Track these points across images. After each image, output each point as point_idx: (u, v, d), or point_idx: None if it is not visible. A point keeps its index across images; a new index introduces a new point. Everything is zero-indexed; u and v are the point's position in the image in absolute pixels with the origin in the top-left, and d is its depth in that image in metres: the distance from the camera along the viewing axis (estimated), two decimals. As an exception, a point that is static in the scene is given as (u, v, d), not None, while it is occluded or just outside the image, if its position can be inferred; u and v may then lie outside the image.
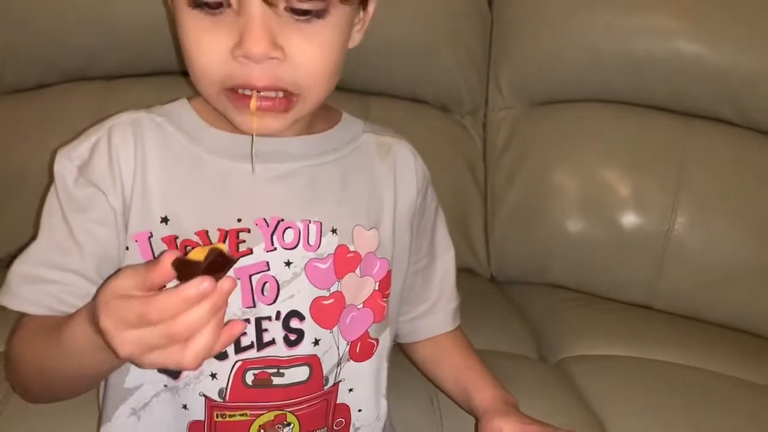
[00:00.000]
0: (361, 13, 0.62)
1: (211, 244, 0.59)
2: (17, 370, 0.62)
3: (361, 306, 0.65)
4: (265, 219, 0.61)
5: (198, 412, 0.61)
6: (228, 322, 0.48)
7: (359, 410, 0.67)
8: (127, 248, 0.60)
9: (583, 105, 1.10)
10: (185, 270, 0.46)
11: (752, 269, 1.03)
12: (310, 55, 0.56)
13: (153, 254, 0.60)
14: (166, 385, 0.61)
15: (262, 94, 0.57)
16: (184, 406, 0.61)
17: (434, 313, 0.75)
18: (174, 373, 0.60)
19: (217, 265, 0.46)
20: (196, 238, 0.60)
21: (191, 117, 0.64)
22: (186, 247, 0.59)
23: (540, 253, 1.10)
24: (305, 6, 0.55)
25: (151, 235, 0.60)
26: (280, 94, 0.57)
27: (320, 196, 0.64)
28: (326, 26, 0.56)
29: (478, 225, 1.13)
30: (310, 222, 0.62)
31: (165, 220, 0.60)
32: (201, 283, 0.44)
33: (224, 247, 0.47)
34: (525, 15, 1.10)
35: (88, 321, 0.52)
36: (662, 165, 1.06)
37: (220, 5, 0.55)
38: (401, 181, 0.69)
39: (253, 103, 0.56)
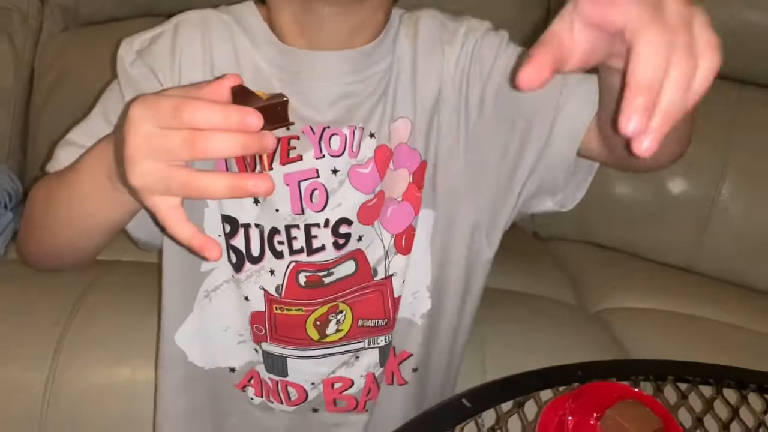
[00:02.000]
0: None
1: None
2: (24, 219, 0.62)
3: (400, 199, 0.64)
4: (311, 127, 0.61)
5: (258, 304, 0.63)
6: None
7: (414, 299, 0.66)
8: None
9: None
10: (241, 100, 0.42)
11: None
12: None
13: (225, 165, 0.60)
14: (233, 276, 0.63)
15: None
16: (246, 298, 0.63)
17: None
18: (237, 266, 0.62)
19: (273, 113, 0.41)
20: None
21: (256, 21, 0.62)
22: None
23: (582, 211, 1.11)
24: None
25: None
26: None
27: (364, 103, 0.62)
28: None
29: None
30: (355, 128, 0.61)
31: None
32: (249, 114, 0.40)
33: (289, 104, 0.42)
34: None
35: (109, 140, 0.50)
36: (712, 131, 1.07)
37: None
38: (430, 61, 0.63)
39: None
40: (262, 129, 0.41)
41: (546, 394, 0.56)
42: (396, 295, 0.65)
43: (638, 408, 0.48)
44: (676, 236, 1.08)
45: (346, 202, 0.62)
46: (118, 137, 0.45)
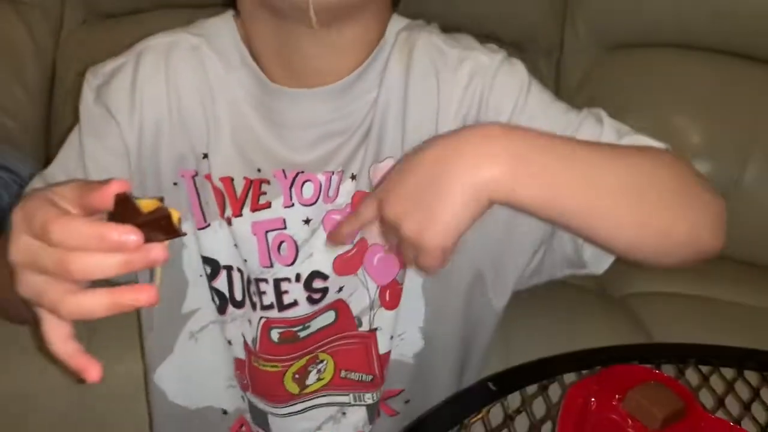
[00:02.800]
0: None
1: (235, 192, 0.55)
2: None
3: (386, 247, 0.57)
4: (284, 170, 0.55)
5: (239, 351, 0.59)
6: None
7: (401, 340, 0.60)
8: (175, 183, 0.56)
9: (658, 50, 1.10)
10: (123, 210, 0.37)
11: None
12: None
13: (197, 193, 0.56)
14: (217, 317, 0.59)
15: None
16: (229, 342, 0.59)
17: None
18: (220, 308, 0.58)
19: (158, 227, 0.37)
20: (219, 185, 0.55)
21: (233, 39, 0.55)
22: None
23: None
24: None
25: (196, 174, 0.56)
26: None
27: (346, 144, 0.56)
28: None
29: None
30: (332, 173, 0.55)
31: (206, 156, 0.55)
32: (127, 233, 0.35)
33: (177, 216, 0.38)
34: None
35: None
36: (737, 114, 1.06)
37: None
38: (418, 92, 0.55)
39: None
40: (149, 240, 0.36)
41: (570, 378, 0.56)
42: (382, 352, 0.60)
43: (660, 389, 0.48)
44: (700, 220, 1.07)
45: (319, 252, 0.56)
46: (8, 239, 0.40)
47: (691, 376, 0.57)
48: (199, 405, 0.62)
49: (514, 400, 0.54)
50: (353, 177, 0.56)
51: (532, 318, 0.85)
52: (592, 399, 0.50)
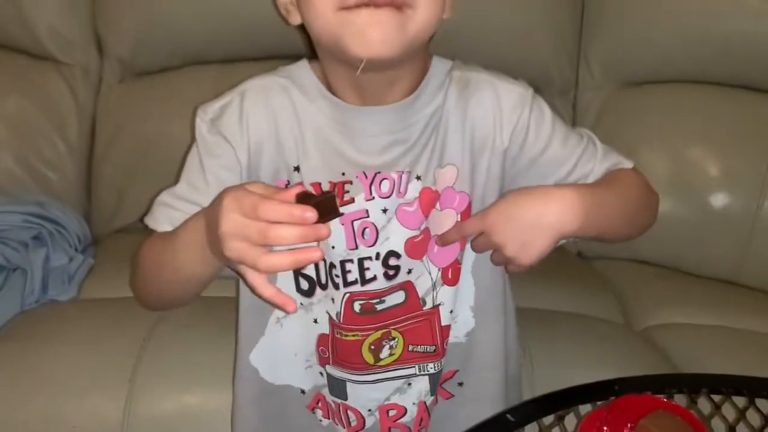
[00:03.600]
0: None
1: (324, 192, 0.69)
2: (136, 272, 0.73)
3: None
4: (364, 172, 0.69)
5: (324, 327, 0.72)
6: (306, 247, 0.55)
7: (455, 322, 0.74)
8: None
9: (672, 85, 1.13)
10: (302, 202, 0.55)
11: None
12: None
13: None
14: (301, 303, 0.71)
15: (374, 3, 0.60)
16: (315, 321, 0.72)
17: None
18: (308, 292, 0.71)
19: (326, 208, 0.54)
20: (310, 188, 0.69)
21: (310, 79, 0.71)
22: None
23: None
24: None
25: (288, 183, 0.70)
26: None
27: (410, 149, 0.70)
28: None
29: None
30: (402, 173, 0.69)
31: (297, 168, 0.70)
32: (306, 211, 0.53)
33: (338, 201, 0.56)
34: (616, -2, 1.13)
35: (202, 216, 0.63)
36: (753, 146, 1.08)
37: None
38: (477, 116, 0.71)
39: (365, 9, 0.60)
40: (318, 222, 0.53)
41: (585, 408, 0.58)
42: (444, 324, 0.73)
43: (671, 418, 0.50)
44: (720, 250, 1.08)
45: (394, 236, 0.70)
46: (212, 218, 0.59)
47: (704, 405, 0.58)
48: (282, 382, 0.75)
49: (531, 430, 0.57)
50: (419, 177, 0.70)
51: (556, 352, 0.88)
52: (605, 428, 0.52)
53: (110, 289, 0.88)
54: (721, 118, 1.10)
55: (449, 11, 0.69)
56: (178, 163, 0.77)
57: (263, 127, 0.70)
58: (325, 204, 0.54)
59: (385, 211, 0.70)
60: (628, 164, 0.76)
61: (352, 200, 0.69)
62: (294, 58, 0.78)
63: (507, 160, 0.72)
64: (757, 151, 1.07)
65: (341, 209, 0.56)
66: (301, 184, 0.70)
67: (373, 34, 0.61)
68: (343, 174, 0.69)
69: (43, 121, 1.11)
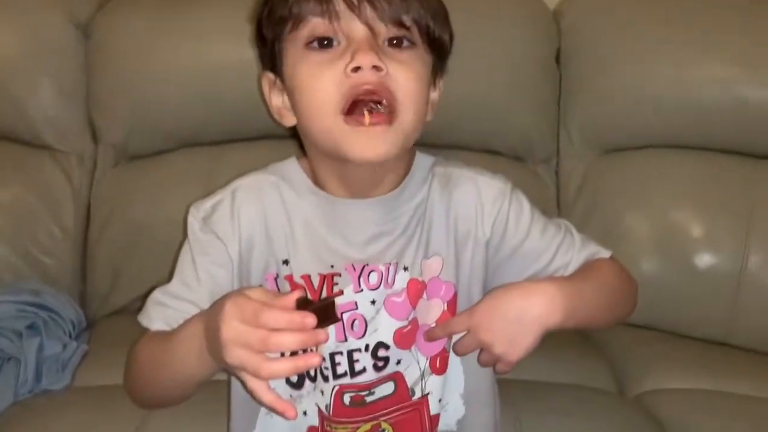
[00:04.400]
0: (431, 93, 0.74)
1: (313, 286, 0.71)
2: (131, 371, 0.74)
3: (433, 324, 0.74)
4: (352, 264, 0.72)
5: (314, 419, 0.73)
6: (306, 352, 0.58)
7: (445, 411, 0.75)
8: (260, 285, 0.72)
9: (651, 151, 1.16)
10: (301, 307, 0.57)
11: (830, 304, 1.05)
12: (405, 74, 0.67)
13: (278, 289, 0.72)
14: (291, 395, 0.73)
15: (372, 116, 0.66)
16: (304, 413, 0.73)
17: None
18: (298, 384, 0.72)
19: (325, 313, 0.56)
20: (300, 281, 0.72)
21: (299, 176, 0.75)
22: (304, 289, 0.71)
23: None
24: (401, 33, 0.68)
25: (277, 276, 0.72)
26: (385, 110, 0.66)
27: (396, 241, 0.73)
28: (414, 57, 0.69)
29: (554, 269, 1.18)
30: (389, 264, 0.72)
31: (286, 261, 0.72)
32: (306, 317, 0.55)
33: (337, 307, 0.58)
34: (591, 68, 1.17)
35: (201, 319, 0.64)
36: (732, 206, 1.10)
37: (331, 42, 0.68)
38: (459, 210, 0.75)
39: (369, 118, 0.66)
40: (317, 327, 0.55)
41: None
42: (433, 413, 0.75)
43: None
44: (709, 311, 1.09)
45: (383, 327, 0.72)
46: (212, 323, 0.60)
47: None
48: None
49: None
50: (406, 268, 0.73)
51: (548, 425, 0.88)
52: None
53: (104, 375, 0.88)
54: (699, 181, 1.12)
55: (432, 114, 0.74)
56: (171, 245, 0.79)
57: (254, 223, 0.72)
58: (324, 310, 0.56)
59: (373, 302, 0.72)
60: (606, 254, 0.79)
61: (341, 292, 0.71)
62: (284, 138, 0.81)
63: (489, 251, 0.76)
64: (737, 211, 1.10)
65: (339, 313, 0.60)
66: (290, 276, 0.72)
67: (370, 147, 0.66)
68: (332, 266, 0.72)
69: (40, 208, 1.13)
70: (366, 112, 0.66)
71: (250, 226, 0.72)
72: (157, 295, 0.74)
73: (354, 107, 0.66)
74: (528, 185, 1.18)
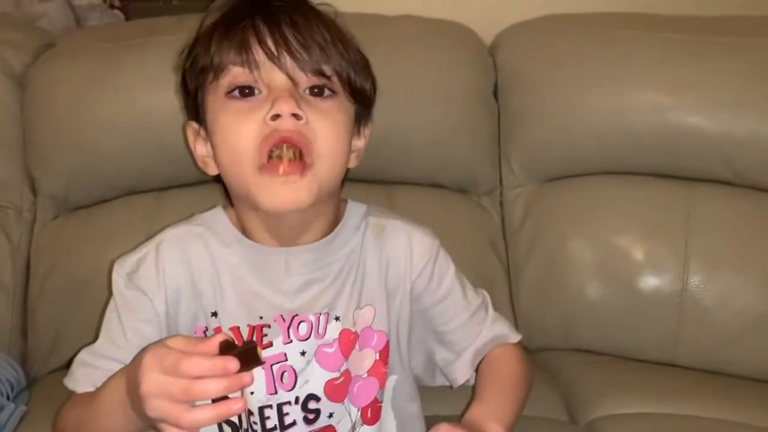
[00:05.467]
0: (355, 141, 0.75)
1: (242, 337, 0.71)
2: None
3: (365, 375, 0.74)
4: (282, 316, 0.71)
5: None
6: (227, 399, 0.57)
7: None
8: None
9: (590, 178, 1.19)
10: (224, 351, 0.57)
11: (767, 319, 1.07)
12: (324, 123, 0.68)
13: None
14: None
15: (286, 166, 0.66)
16: None
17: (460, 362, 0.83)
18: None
19: (247, 357, 0.56)
20: (230, 333, 0.71)
21: (225, 226, 0.75)
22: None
23: (563, 320, 1.16)
24: (322, 82, 0.69)
25: (206, 329, 0.71)
26: (300, 160, 0.67)
27: (327, 290, 0.73)
28: (335, 107, 0.70)
29: (503, 298, 1.20)
30: (320, 314, 0.72)
31: (215, 314, 0.72)
32: (229, 362, 0.55)
33: (260, 350, 0.57)
34: (528, 100, 1.20)
35: (122, 375, 0.63)
36: (670, 228, 1.13)
37: (252, 91, 0.68)
38: (391, 260, 0.77)
39: (283, 167, 0.66)
40: (240, 371, 0.55)
41: None
42: None
43: None
44: (654, 333, 1.11)
45: (313, 379, 0.72)
46: (133, 378, 0.59)
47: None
48: None
49: None
50: (337, 318, 0.72)
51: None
52: None
53: (43, 437, 0.85)
54: (638, 205, 1.15)
55: (356, 161, 0.75)
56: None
57: (180, 276, 0.72)
58: (247, 353, 0.56)
59: (303, 353, 0.71)
60: (515, 338, 0.83)
61: (271, 344, 0.71)
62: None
63: (413, 302, 0.77)
64: (675, 233, 1.12)
65: (262, 356, 0.60)
66: (219, 329, 0.71)
67: (284, 198, 0.67)
68: (261, 318, 0.72)
69: (-24, 267, 1.10)
70: (280, 164, 0.66)
71: (176, 280, 0.72)
72: (83, 356, 0.73)
73: (270, 158, 0.66)
74: (473, 216, 1.22)
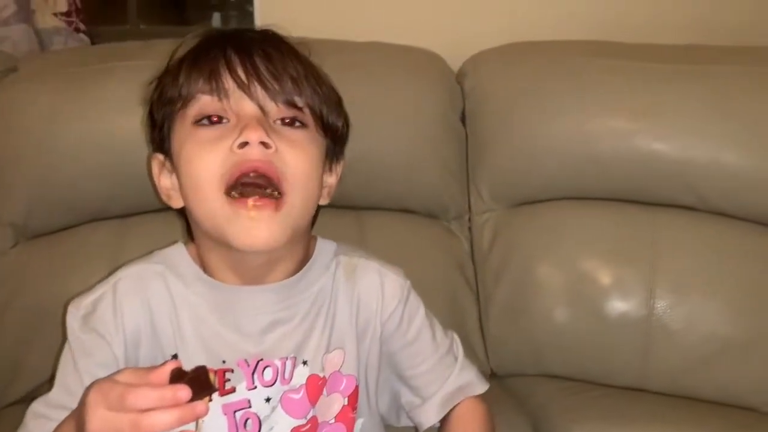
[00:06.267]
0: (326, 177, 0.73)
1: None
2: None
3: (332, 421, 0.71)
4: (246, 360, 0.68)
5: None
6: None
7: None
8: None
9: (557, 203, 1.19)
10: (176, 380, 0.54)
11: (734, 343, 1.08)
12: (295, 154, 0.66)
13: None
14: None
15: (256, 199, 0.64)
16: None
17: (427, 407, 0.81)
18: None
19: (200, 384, 0.53)
20: None
21: (186, 263, 0.71)
22: None
23: (533, 345, 1.16)
24: (292, 113, 0.67)
25: None
26: (273, 194, 0.64)
27: (294, 332, 0.70)
28: (306, 138, 0.68)
29: (473, 324, 1.19)
30: (286, 359, 0.69)
31: (175, 356, 0.69)
32: (179, 390, 0.52)
33: (213, 376, 0.54)
34: (495, 126, 1.21)
35: (72, 418, 0.60)
36: (637, 253, 1.13)
37: (221, 119, 0.66)
38: (362, 301, 0.75)
39: (252, 200, 0.63)
40: (193, 399, 0.52)
41: None
42: None
43: None
44: (623, 358, 1.11)
45: (279, 427, 0.69)
46: (80, 419, 0.56)
47: None
48: None
49: None
50: (305, 362, 0.69)
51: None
52: None
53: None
54: (604, 231, 1.16)
55: (328, 198, 0.73)
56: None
57: (139, 317, 0.68)
58: (198, 380, 0.54)
59: (268, 400, 0.68)
60: (482, 388, 0.82)
61: (234, 389, 0.68)
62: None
63: (382, 344, 0.76)
64: (641, 258, 1.13)
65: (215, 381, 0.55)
66: (175, 357, 0.68)
67: (257, 233, 0.64)
68: (224, 361, 0.68)
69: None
70: (250, 197, 0.63)
71: (135, 321, 0.68)
72: (37, 406, 0.69)
73: (238, 188, 0.64)
74: (443, 241, 1.21)
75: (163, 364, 0.54)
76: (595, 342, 1.12)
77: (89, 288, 0.72)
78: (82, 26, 1.46)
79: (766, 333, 1.08)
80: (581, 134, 1.16)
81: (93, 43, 1.47)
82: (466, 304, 1.19)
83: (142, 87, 1.00)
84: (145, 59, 1.09)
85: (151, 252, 0.73)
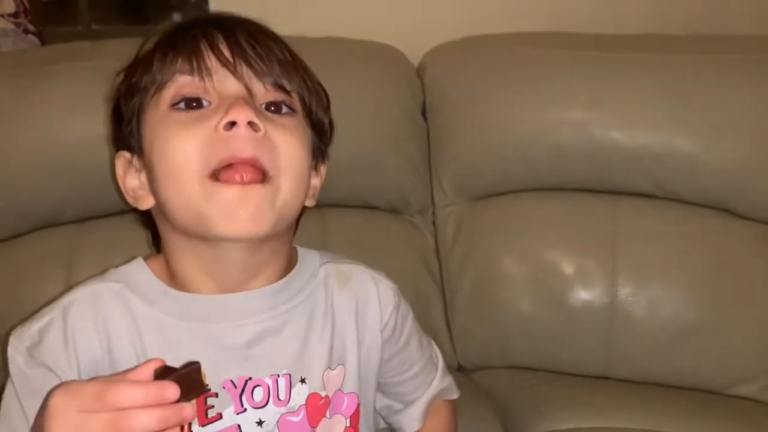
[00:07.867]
0: (312, 178, 0.66)
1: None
2: None
3: None
4: (232, 381, 0.59)
5: None
6: None
7: None
8: None
9: (519, 195, 1.20)
10: (161, 378, 0.47)
11: (696, 327, 1.10)
12: (286, 138, 0.58)
13: None
14: None
15: (243, 175, 0.56)
16: None
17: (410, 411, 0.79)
18: None
19: (189, 382, 0.46)
20: None
21: (148, 279, 0.62)
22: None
23: (499, 336, 1.16)
24: (281, 97, 0.60)
25: None
26: (260, 173, 0.57)
27: (287, 345, 0.62)
28: (296, 124, 0.61)
29: (439, 317, 1.19)
30: (278, 376, 0.61)
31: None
32: (166, 388, 0.44)
33: (204, 373, 0.48)
34: (455, 119, 1.20)
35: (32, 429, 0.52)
36: (598, 242, 1.14)
37: (200, 103, 0.58)
38: (364, 311, 0.69)
39: (238, 177, 0.56)
40: (180, 400, 0.45)
41: None
42: None
43: None
44: (587, 347, 1.12)
45: None
46: (38, 430, 0.48)
47: None
48: None
49: None
50: (303, 380, 0.61)
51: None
52: None
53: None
54: (565, 221, 1.16)
55: (312, 200, 0.67)
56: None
57: (94, 344, 0.59)
58: (188, 378, 0.46)
59: (260, 423, 0.60)
60: (456, 394, 0.81)
61: (219, 416, 0.59)
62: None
63: (381, 353, 0.71)
64: (602, 246, 1.14)
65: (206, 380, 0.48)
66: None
67: (242, 212, 0.55)
68: (206, 385, 0.57)
69: None
70: (236, 173, 0.56)
71: (91, 350, 0.59)
72: None
73: (226, 171, 0.56)
74: (407, 236, 1.21)
75: (146, 362, 0.47)
76: (559, 331, 1.13)
77: (34, 313, 0.62)
78: (31, 27, 1.42)
79: (727, 316, 1.10)
80: (539, 125, 1.17)
81: (43, 44, 1.43)
82: (432, 298, 1.19)
83: (91, 88, 0.98)
84: (95, 60, 1.07)
85: (105, 270, 0.64)
